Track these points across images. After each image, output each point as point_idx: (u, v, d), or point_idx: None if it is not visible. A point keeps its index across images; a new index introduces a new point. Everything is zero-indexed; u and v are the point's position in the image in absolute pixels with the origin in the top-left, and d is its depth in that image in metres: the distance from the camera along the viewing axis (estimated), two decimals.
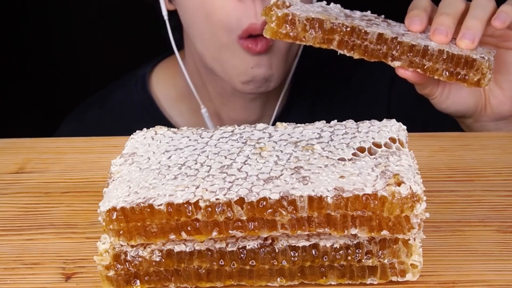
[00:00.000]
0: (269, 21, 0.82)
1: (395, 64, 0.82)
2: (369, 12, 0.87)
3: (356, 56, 0.82)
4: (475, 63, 0.81)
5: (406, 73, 0.84)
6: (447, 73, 0.82)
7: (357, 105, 1.29)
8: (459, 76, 0.82)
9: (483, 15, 0.87)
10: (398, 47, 0.81)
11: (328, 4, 0.86)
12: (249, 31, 1.08)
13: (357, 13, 0.86)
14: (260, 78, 1.12)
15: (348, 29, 0.81)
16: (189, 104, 1.27)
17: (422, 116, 1.24)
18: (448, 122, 1.23)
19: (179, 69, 1.26)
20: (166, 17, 1.21)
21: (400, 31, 0.84)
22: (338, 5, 0.86)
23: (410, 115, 1.26)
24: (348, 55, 0.82)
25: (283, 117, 1.26)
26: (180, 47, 1.25)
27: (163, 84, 1.30)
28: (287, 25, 0.81)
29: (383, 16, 0.87)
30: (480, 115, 0.96)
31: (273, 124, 1.23)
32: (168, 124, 1.26)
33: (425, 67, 0.82)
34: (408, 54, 0.81)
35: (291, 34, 0.81)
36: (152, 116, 1.27)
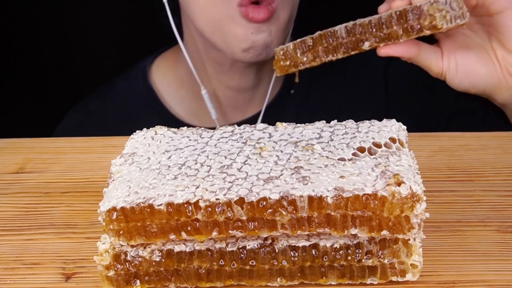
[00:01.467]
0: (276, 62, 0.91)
1: (365, 45, 0.85)
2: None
3: (340, 56, 0.87)
4: (422, 11, 0.83)
5: (384, 50, 0.86)
6: (402, 31, 0.84)
7: (357, 99, 1.29)
8: (415, 29, 0.83)
9: None
10: (360, 30, 0.85)
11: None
12: None
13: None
14: (260, 44, 1.14)
15: (321, 33, 0.87)
16: (189, 89, 1.29)
17: (421, 98, 1.25)
18: (445, 103, 1.23)
19: (179, 58, 1.28)
20: (165, 0, 1.22)
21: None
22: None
23: (408, 97, 1.27)
24: (334, 59, 0.87)
25: (279, 100, 1.29)
26: (180, 33, 1.27)
27: (164, 74, 1.32)
28: (284, 58, 0.89)
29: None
30: (506, 88, 0.93)
31: (269, 103, 1.24)
32: (168, 112, 1.29)
33: (388, 36, 0.84)
34: (371, 31, 0.84)
35: (290, 63, 0.89)
36: (152, 106, 1.30)
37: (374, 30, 0.84)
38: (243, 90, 1.28)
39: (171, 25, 1.24)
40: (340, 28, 0.86)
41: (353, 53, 0.86)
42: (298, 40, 0.88)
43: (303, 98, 1.29)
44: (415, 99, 1.26)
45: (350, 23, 0.86)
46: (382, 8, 0.89)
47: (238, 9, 1.11)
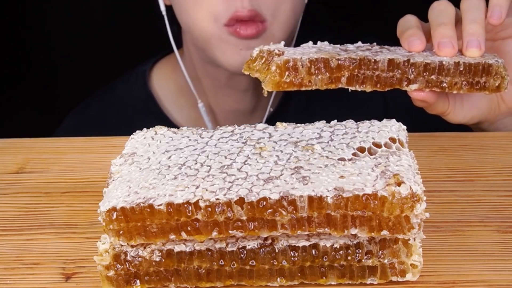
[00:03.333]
0: (261, 73, 0.77)
1: (412, 87, 0.77)
2: (359, 42, 0.81)
3: (368, 89, 0.76)
4: (491, 68, 0.78)
5: (420, 95, 0.79)
6: (466, 85, 0.77)
7: (354, 102, 1.29)
8: (479, 85, 0.78)
9: (480, 16, 0.83)
10: (412, 69, 0.76)
11: (315, 43, 0.80)
12: (235, 18, 1.10)
13: (350, 46, 0.80)
14: None
15: (356, 62, 0.75)
16: (187, 98, 1.29)
17: (419, 109, 1.24)
18: None
19: (178, 66, 1.28)
20: (164, 12, 1.23)
21: (405, 54, 0.79)
22: (326, 42, 0.81)
23: (407, 104, 1.26)
24: (359, 90, 0.76)
25: (278, 111, 1.28)
26: (179, 42, 1.27)
27: (163, 80, 1.32)
28: (289, 72, 0.74)
29: (375, 43, 0.82)
30: (495, 115, 0.93)
31: (268, 119, 1.24)
32: (167, 119, 1.29)
33: (443, 83, 0.77)
34: (424, 74, 0.76)
35: (295, 81, 0.74)
36: (151, 111, 1.29)
37: (427, 74, 0.76)
38: (240, 113, 1.27)
39: (169, 36, 1.24)
40: (384, 60, 0.75)
41: (385, 89, 0.77)
42: (315, 55, 0.75)
43: (302, 108, 1.29)
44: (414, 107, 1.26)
45: (399, 58, 0.76)
46: (417, 46, 0.81)
47: (225, 28, 1.11)
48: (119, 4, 1.75)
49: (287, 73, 0.74)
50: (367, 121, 0.72)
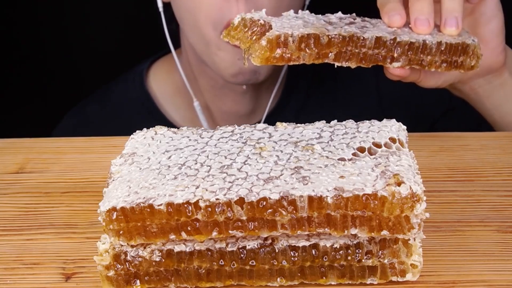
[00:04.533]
0: (243, 42, 0.76)
1: (395, 65, 0.77)
2: (340, 13, 0.81)
3: (353, 65, 0.76)
4: (468, 48, 0.79)
5: (396, 71, 0.80)
6: (444, 64, 0.79)
7: (350, 98, 1.29)
8: (456, 64, 0.79)
9: None
10: (398, 48, 0.77)
11: (296, 12, 0.79)
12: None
13: (332, 17, 0.80)
14: (248, 70, 1.14)
15: (347, 39, 0.75)
16: (185, 98, 1.29)
17: (414, 99, 1.24)
18: (442, 102, 1.22)
19: (176, 65, 1.28)
20: (161, 9, 1.23)
21: (388, 30, 0.79)
22: (307, 11, 0.80)
23: (401, 100, 1.26)
24: (345, 65, 0.76)
25: (276, 111, 1.27)
26: (177, 41, 1.27)
27: (160, 80, 1.32)
28: (280, 48, 0.73)
29: (354, 14, 0.81)
30: (467, 76, 0.93)
31: (266, 119, 1.24)
32: (164, 119, 1.29)
33: (423, 62, 0.78)
34: (408, 53, 0.77)
35: (285, 56, 0.74)
36: (149, 111, 1.29)
37: (411, 53, 0.77)
38: (238, 115, 1.27)
39: (166, 35, 1.23)
40: (371, 38, 0.75)
41: (369, 66, 0.77)
42: (301, 29, 0.74)
43: (300, 109, 1.29)
44: (409, 97, 1.25)
45: (386, 36, 0.76)
46: (396, 22, 0.80)
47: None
48: (117, 3, 1.75)
49: (278, 49, 0.73)
50: (367, 121, 0.72)
